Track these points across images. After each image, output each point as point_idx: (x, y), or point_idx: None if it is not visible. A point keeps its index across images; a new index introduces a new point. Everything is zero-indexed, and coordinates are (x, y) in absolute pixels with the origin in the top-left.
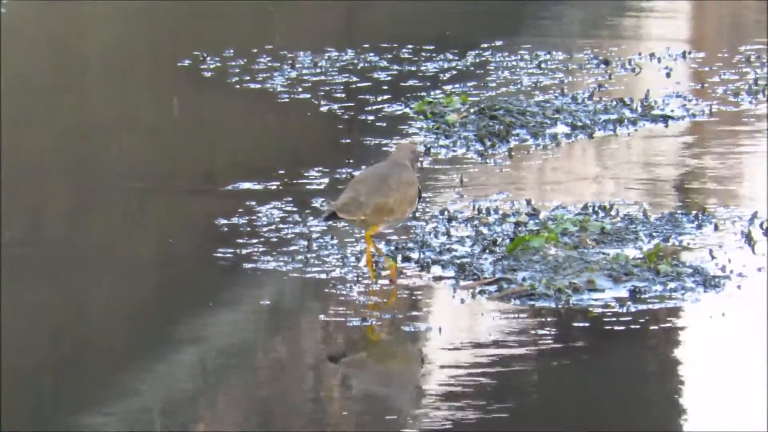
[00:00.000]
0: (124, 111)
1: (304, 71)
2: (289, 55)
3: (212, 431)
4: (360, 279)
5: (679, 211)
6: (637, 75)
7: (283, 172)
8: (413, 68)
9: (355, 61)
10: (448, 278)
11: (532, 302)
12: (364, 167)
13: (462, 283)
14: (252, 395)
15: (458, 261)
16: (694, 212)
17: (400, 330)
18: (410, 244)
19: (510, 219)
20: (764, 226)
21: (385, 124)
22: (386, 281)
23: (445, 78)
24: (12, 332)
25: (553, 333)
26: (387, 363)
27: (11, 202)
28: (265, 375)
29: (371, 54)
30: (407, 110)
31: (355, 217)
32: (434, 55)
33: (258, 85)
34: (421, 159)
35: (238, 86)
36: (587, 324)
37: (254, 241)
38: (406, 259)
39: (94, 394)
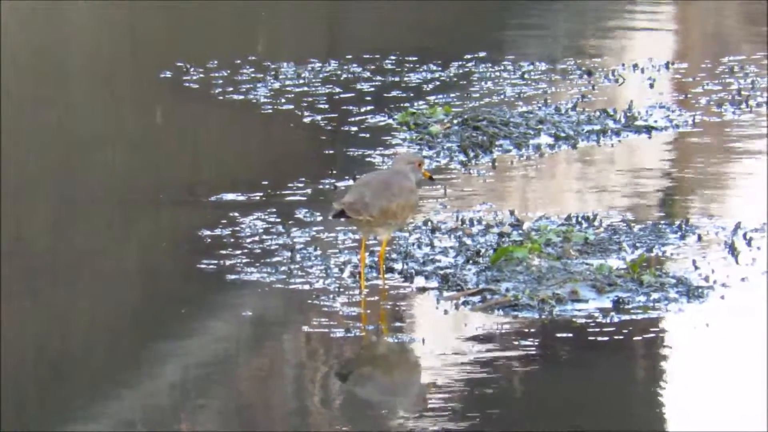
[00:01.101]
0: (108, 123)
1: (288, 82)
2: (273, 66)
3: None
4: (343, 290)
5: (663, 222)
6: (620, 85)
7: (266, 183)
8: (396, 79)
9: (339, 72)
10: (432, 289)
11: (515, 313)
12: (361, 175)
13: (445, 293)
14: (234, 406)
15: (442, 272)
16: (677, 223)
17: (384, 341)
18: (394, 255)
19: (493, 230)
20: (747, 237)
21: (368, 135)
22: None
23: (428, 89)
24: None
25: (536, 343)
26: (371, 374)
27: None
28: (248, 386)
29: (354, 65)
30: (390, 121)
31: (361, 217)
32: (417, 66)
33: (241, 97)
34: (421, 163)
35: (221, 97)
36: (571, 334)
37: (238, 252)
38: (390, 270)
39: (77, 405)
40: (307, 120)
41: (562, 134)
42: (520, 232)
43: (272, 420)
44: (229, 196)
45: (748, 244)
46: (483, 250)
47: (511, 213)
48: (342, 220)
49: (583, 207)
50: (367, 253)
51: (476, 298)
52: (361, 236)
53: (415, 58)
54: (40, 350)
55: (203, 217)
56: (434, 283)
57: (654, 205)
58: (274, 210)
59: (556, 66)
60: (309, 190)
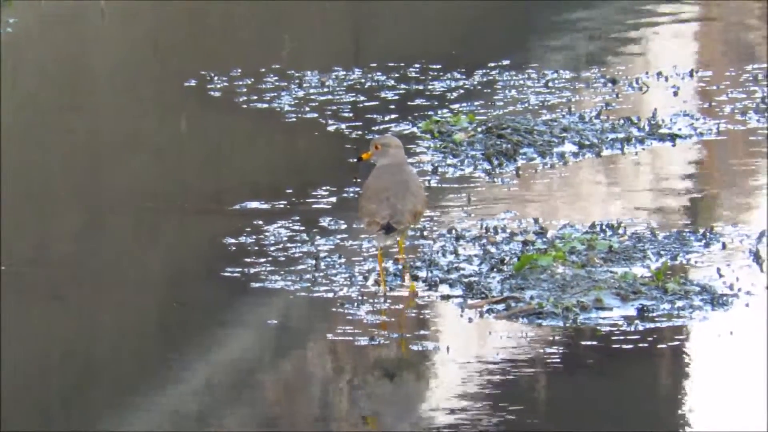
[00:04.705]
0: (132, 131)
1: (312, 91)
2: (297, 75)
3: None
4: (368, 298)
5: (687, 230)
6: (644, 94)
7: (290, 191)
8: (420, 87)
9: (363, 81)
10: (456, 297)
11: (539, 321)
12: (368, 181)
13: (470, 301)
14: (259, 413)
15: (466, 280)
16: (701, 230)
17: (408, 349)
18: (418, 263)
19: (518, 238)
20: None
21: None
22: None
23: (452, 97)
24: (20, 352)
25: (561, 352)
26: (395, 382)
27: (20, 221)
28: (273, 394)
29: (378, 73)
30: (415, 129)
31: (403, 226)
32: (441, 74)
33: (265, 105)
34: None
35: (245, 106)
36: (595, 343)
37: (262, 260)
38: (414, 278)
39: (103, 413)
40: (331, 128)
41: (586, 142)
42: (545, 240)
43: (297, 427)
44: (253, 204)
45: None
46: (507, 258)
47: (536, 221)
48: (391, 233)
49: (608, 215)
50: (390, 261)
51: (500, 306)
52: (379, 244)
53: (438, 66)
54: (65, 356)
55: (227, 224)
56: (458, 291)
57: (678, 213)
58: (298, 218)
59: (580, 74)
60: (333, 199)
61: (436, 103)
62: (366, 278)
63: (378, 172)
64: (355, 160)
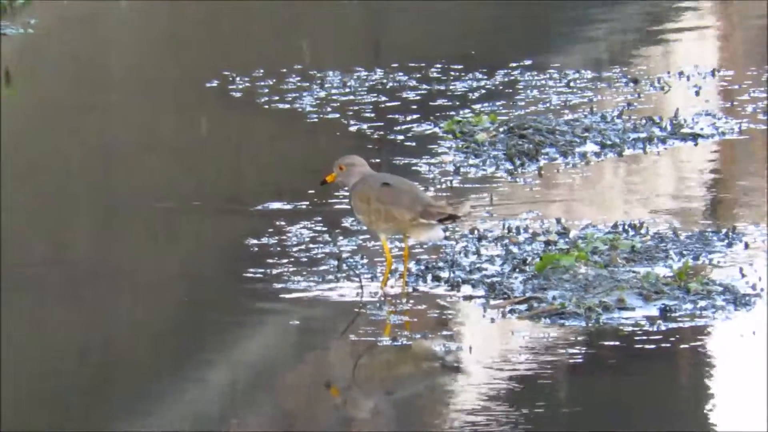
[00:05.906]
0: (153, 131)
1: (333, 91)
2: (318, 75)
3: None
4: (390, 298)
5: (709, 230)
6: (666, 93)
7: (312, 191)
8: (442, 87)
9: (384, 81)
10: (479, 297)
11: (562, 321)
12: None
13: (492, 302)
14: (279, 414)
15: (488, 280)
16: (724, 230)
17: (431, 349)
18: (440, 264)
19: (540, 238)
20: None
21: (414, 144)
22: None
23: (474, 97)
24: (38, 352)
25: (583, 352)
26: (417, 382)
27: (39, 221)
28: (294, 394)
29: (400, 73)
30: (436, 129)
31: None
32: (463, 74)
33: (287, 105)
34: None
35: (267, 106)
36: (617, 343)
37: (284, 260)
38: (437, 278)
39: (121, 414)
40: (353, 129)
41: (608, 142)
42: (567, 240)
43: (318, 428)
44: (275, 205)
45: None
46: (529, 259)
47: (558, 221)
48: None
49: (630, 215)
50: (413, 262)
51: (523, 307)
52: (386, 237)
53: (460, 67)
54: (83, 357)
55: (249, 225)
56: (481, 292)
57: (700, 213)
58: (321, 218)
59: (602, 74)
60: None
61: (457, 103)
62: (388, 278)
63: (371, 180)
64: (320, 183)
